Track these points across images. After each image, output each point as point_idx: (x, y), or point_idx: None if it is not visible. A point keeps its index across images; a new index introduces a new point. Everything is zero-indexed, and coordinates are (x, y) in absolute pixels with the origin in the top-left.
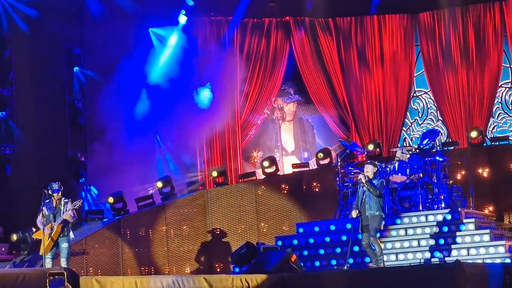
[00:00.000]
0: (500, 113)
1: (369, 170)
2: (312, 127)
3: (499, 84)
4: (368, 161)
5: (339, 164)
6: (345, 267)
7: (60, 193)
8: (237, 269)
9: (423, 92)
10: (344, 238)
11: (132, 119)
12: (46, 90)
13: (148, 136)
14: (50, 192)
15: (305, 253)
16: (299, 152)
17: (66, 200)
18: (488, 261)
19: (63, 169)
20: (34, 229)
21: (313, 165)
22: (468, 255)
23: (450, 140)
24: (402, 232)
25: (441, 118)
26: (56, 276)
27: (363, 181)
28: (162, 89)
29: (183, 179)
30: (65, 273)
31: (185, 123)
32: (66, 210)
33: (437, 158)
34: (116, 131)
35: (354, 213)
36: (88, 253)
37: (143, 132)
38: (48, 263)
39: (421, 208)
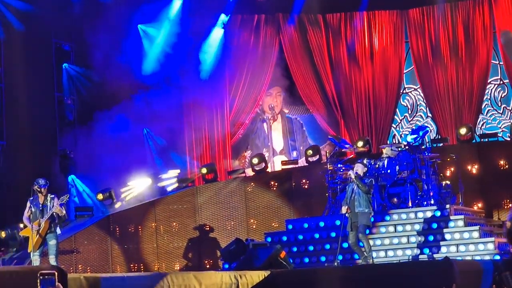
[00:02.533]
0: (489, 109)
1: (359, 169)
2: (301, 125)
3: (488, 81)
4: (359, 160)
5: (328, 161)
6: (335, 264)
7: (46, 189)
8: (226, 266)
9: (413, 89)
10: (333, 234)
11: (122, 115)
12: (36, 86)
13: (138, 132)
14: (36, 187)
15: (295, 249)
16: (288, 152)
17: (53, 196)
18: (477, 257)
19: (52, 165)
20: (21, 226)
21: (302, 163)
22: (457, 251)
23: (439, 137)
24: (391, 228)
25: (430, 115)
26: (47, 276)
27: (352, 176)
28: (152, 84)
29: (172, 175)
30: (56, 273)
31: (174, 120)
32: (52, 206)
33: (425, 154)
34: (106, 127)
35: (344, 209)
36: (77, 250)
37: (133, 128)
38: (36, 260)
39: (410, 205)
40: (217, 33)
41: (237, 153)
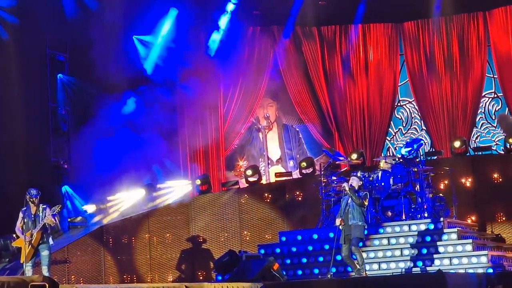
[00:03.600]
0: (483, 123)
1: (354, 182)
2: (297, 133)
3: (483, 94)
4: (354, 173)
5: (322, 173)
6: (328, 276)
7: (38, 199)
8: (219, 277)
9: (407, 102)
10: (326, 247)
11: (116, 126)
12: (30, 96)
13: (133, 143)
14: (29, 197)
15: (288, 261)
16: (285, 161)
17: (45, 206)
18: (470, 271)
19: (46, 176)
20: (15, 236)
21: (297, 174)
22: (451, 264)
23: (433, 150)
24: (385, 241)
25: (425, 128)
26: None
27: (347, 189)
28: (145, 95)
29: (166, 186)
30: (47, 285)
31: (169, 131)
32: (44, 216)
33: (419, 167)
34: (99, 137)
35: (338, 221)
36: (70, 261)
37: (127, 139)
38: (28, 271)
39: (404, 218)
40: (213, 43)
41: (232, 164)
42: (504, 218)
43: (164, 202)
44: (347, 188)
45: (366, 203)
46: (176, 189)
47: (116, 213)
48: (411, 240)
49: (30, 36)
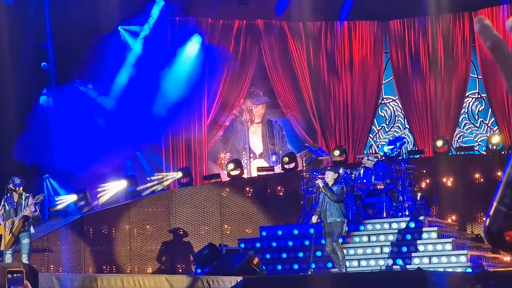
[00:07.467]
0: (466, 123)
1: (329, 176)
2: (281, 129)
3: (466, 94)
4: (329, 168)
5: (304, 168)
6: (309, 272)
7: (21, 188)
8: (199, 270)
9: (391, 100)
10: (307, 242)
11: (100, 117)
12: (13, 85)
13: (114, 134)
14: (11, 186)
15: (268, 256)
16: (268, 155)
17: (27, 194)
18: (450, 270)
19: (27, 164)
20: None
21: (279, 169)
22: (430, 263)
23: (416, 148)
24: (365, 238)
25: (408, 126)
26: (15, 274)
27: (320, 185)
28: (129, 87)
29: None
30: (24, 271)
31: (151, 123)
32: (27, 205)
33: (401, 165)
34: (82, 128)
35: (314, 219)
36: (50, 250)
37: (111, 130)
38: (8, 259)
39: (385, 215)
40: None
41: (215, 155)
42: (484, 218)
43: (145, 193)
44: (321, 185)
45: (343, 197)
46: (156, 181)
47: (97, 203)
48: (391, 238)
49: (15, 24)
